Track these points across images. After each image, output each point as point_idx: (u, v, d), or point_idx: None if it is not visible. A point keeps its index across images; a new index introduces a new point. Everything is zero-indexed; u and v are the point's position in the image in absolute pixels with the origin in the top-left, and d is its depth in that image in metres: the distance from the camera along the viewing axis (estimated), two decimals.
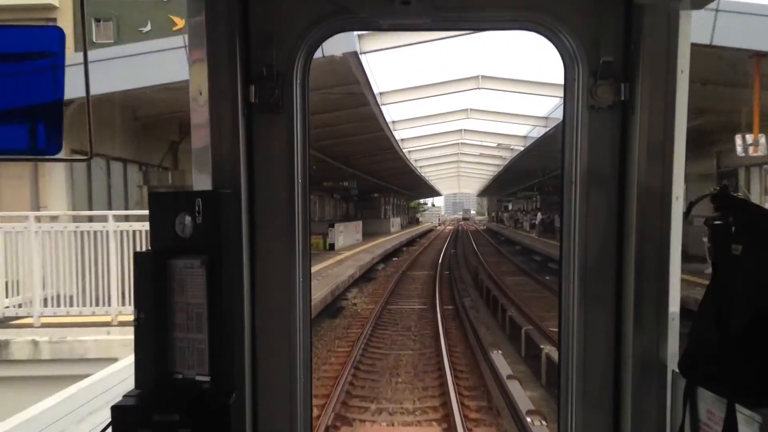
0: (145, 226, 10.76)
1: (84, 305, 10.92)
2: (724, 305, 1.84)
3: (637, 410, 2.21)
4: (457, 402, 11.05)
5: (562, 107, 2.41)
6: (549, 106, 31.99)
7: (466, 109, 35.80)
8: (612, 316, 2.28)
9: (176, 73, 12.30)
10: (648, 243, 2.20)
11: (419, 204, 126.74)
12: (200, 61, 2.20)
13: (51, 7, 29.34)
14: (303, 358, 2.34)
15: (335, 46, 13.73)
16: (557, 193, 2.34)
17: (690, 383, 1.98)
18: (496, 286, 24.81)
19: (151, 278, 2.04)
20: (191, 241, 2.05)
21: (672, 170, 2.19)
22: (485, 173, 69.41)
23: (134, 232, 10.82)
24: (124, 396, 2.01)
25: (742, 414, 1.73)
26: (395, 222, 67.07)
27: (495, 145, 45.34)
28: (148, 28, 29.97)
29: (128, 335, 10.19)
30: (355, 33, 15.16)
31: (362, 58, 17.22)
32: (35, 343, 10.18)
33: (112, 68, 13.67)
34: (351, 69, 16.66)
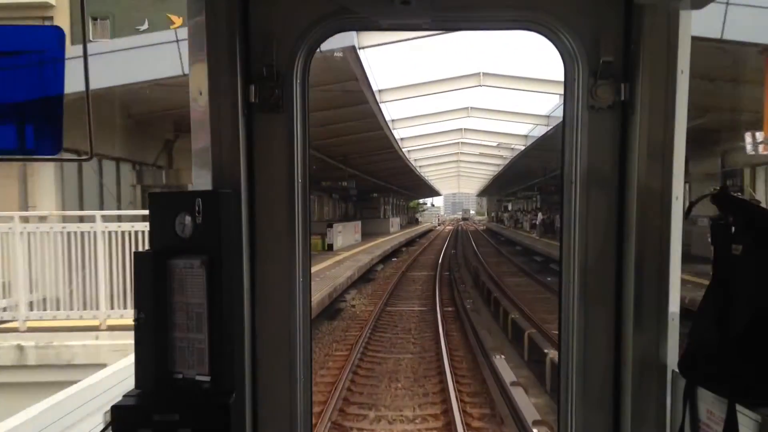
0: (135, 226, 10.46)
1: (71, 309, 10.59)
2: (724, 305, 1.85)
3: (637, 410, 2.22)
4: (459, 409, 10.69)
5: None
6: (551, 104, 31.63)
7: (466, 108, 35.43)
8: (612, 316, 2.30)
9: (167, 68, 11.95)
10: (648, 243, 2.21)
11: (419, 204, 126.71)
12: (200, 61, 2.23)
13: (48, 6, 29.17)
14: (303, 358, 2.35)
15: (333, 40, 13.34)
16: (558, 193, 2.31)
17: (690, 383, 1.99)
18: (497, 288, 24.56)
19: (151, 278, 2.07)
20: (191, 241, 2.08)
21: (672, 170, 2.21)
22: (485, 173, 69.30)
23: (123, 233, 10.42)
24: (124, 396, 2.04)
25: (742, 414, 1.74)
26: (394, 222, 66.88)
27: (495, 144, 45.11)
28: (146, 26, 30.04)
29: (117, 340, 9.95)
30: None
31: (360, 53, 16.86)
32: (20, 348, 9.87)
33: (98, 62, 13.25)
34: (349, 65, 16.35)
